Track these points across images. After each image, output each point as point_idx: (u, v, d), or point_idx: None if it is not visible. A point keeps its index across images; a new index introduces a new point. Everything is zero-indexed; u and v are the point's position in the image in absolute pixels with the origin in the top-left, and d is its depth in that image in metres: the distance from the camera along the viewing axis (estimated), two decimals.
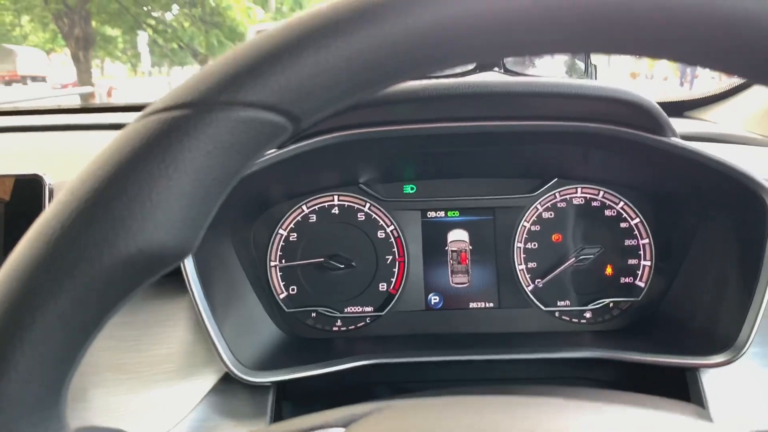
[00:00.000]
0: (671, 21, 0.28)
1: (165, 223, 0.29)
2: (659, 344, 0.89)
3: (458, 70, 0.89)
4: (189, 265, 0.80)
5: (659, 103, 1.47)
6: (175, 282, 0.86)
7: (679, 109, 1.51)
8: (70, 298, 0.29)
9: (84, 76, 12.30)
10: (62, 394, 0.31)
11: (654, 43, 0.30)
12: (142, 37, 15.61)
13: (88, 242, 0.28)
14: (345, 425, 0.38)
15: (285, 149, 0.82)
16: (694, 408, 0.78)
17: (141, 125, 0.31)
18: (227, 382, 0.83)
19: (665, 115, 0.83)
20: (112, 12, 13.34)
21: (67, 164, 1.03)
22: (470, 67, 0.90)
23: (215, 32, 13.75)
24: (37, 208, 0.77)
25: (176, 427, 0.79)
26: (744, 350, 0.80)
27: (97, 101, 8.65)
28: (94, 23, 13.22)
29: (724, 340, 0.83)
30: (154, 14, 14.50)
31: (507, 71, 0.97)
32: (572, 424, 0.37)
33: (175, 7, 14.55)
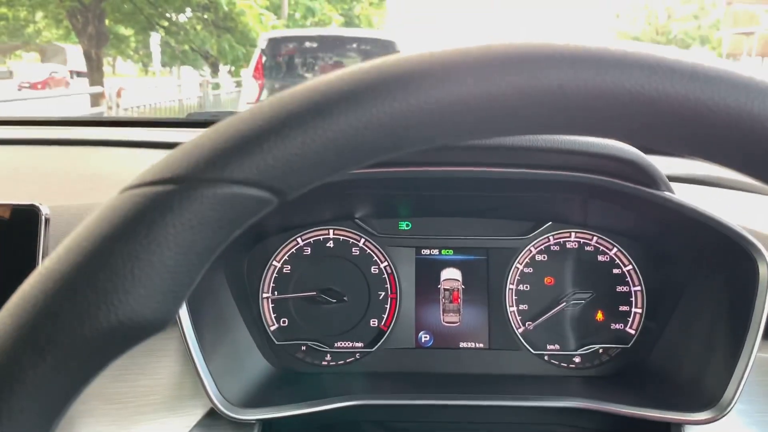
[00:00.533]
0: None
1: (146, 297, 0.30)
2: (646, 396, 0.89)
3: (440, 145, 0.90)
4: None
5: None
6: None
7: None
8: (49, 368, 0.29)
9: (95, 75, 12.37)
10: None
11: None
12: (155, 38, 15.71)
13: (71, 314, 0.29)
14: None
15: None
16: None
17: (126, 198, 0.31)
18: (213, 417, 0.83)
19: (656, 167, 0.84)
20: (126, 12, 13.42)
21: (67, 185, 1.04)
22: None
23: (227, 37, 13.83)
24: (32, 242, 0.78)
25: None
26: (729, 408, 0.80)
27: (107, 101, 8.70)
28: (107, 22, 13.31)
29: (710, 396, 0.83)
30: (168, 16, 14.58)
31: None
32: None
33: (188, 10, 14.64)
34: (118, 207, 0.31)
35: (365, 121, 0.30)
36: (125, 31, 15.55)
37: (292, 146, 0.30)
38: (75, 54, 16.30)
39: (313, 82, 0.32)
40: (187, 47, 14.90)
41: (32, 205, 0.79)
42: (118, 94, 8.54)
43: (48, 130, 1.43)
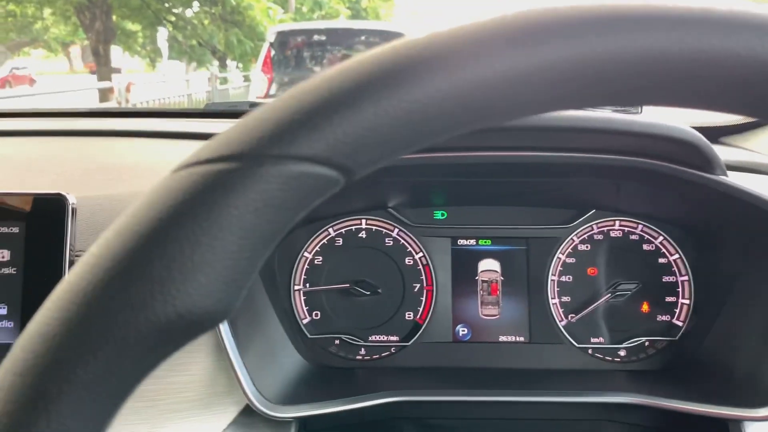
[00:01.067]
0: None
1: (206, 286, 0.27)
2: (698, 391, 0.85)
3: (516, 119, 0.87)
4: None
5: (693, 128, 1.43)
6: None
7: (714, 134, 1.46)
8: (100, 366, 0.26)
9: (103, 70, 12.40)
10: None
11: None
12: (162, 33, 15.72)
13: (123, 306, 0.26)
14: None
15: None
16: None
17: (183, 177, 0.28)
18: (248, 415, 0.80)
19: (715, 151, 0.80)
20: (133, 7, 13.45)
21: (91, 175, 1.01)
22: None
23: (235, 31, 13.83)
24: (60, 231, 0.74)
25: None
26: None
27: (116, 96, 8.70)
28: (114, 17, 13.33)
29: None
30: (175, 11, 14.59)
31: None
32: None
33: (195, 5, 14.65)
34: (174, 187, 0.28)
35: (443, 91, 0.27)
36: (132, 26, 15.56)
37: (364, 120, 0.27)
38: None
39: (381, 49, 0.29)
40: (194, 42, 14.91)
41: (59, 194, 0.75)
42: (128, 89, 8.54)
43: (65, 121, 1.40)
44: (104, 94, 9.49)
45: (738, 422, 0.80)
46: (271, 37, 7.69)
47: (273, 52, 7.47)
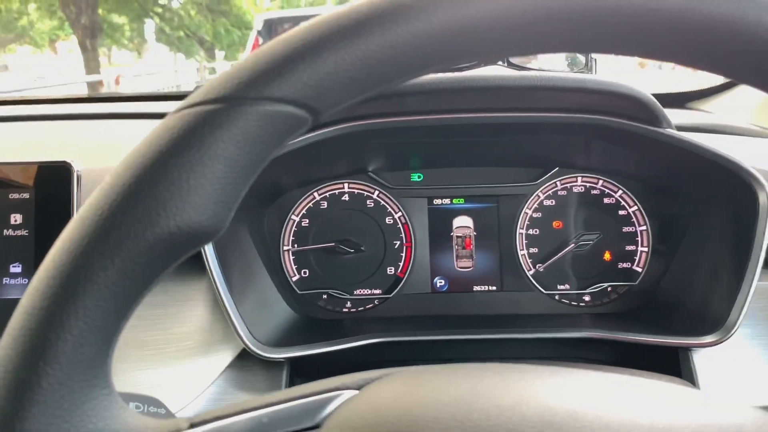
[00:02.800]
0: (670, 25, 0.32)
1: (200, 205, 0.33)
2: (654, 326, 0.93)
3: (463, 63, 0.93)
4: (208, 249, 0.84)
5: (662, 95, 1.51)
6: (194, 265, 0.91)
7: (681, 100, 1.54)
8: (117, 270, 0.32)
9: (92, 64, 12.33)
10: (109, 355, 0.35)
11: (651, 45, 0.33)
12: (149, 26, 15.63)
13: (134, 221, 0.32)
14: (358, 388, 0.42)
15: (297, 140, 0.87)
16: (682, 381, 0.82)
17: (179, 117, 0.34)
18: (243, 358, 0.88)
19: (660, 106, 0.87)
20: (118, 0, 13.35)
21: (91, 153, 1.08)
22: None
23: (222, 21, 13.75)
24: (66, 195, 0.81)
25: (196, 400, 0.84)
26: (734, 330, 0.84)
27: (105, 89, 8.69)
28: (100, 11, 13.23)
29: (715, 321, 0.87)
30: (161, 2, 14.48)
31: (510, 65, 1.01)
32: (565, 385, 0.41)
33: None
34: (172, 126, 0.34)
35: (392, 40, 0.33)
36: (119, 19, 15.44)
37: (325, 65, 0.33)
38: None
39: (345, 6, 0.35)
40: (182, 33, 14.81)
41: (64, 162, 0.82)
42: (117, 82, 8.53)
43: (65, 106, 1.46)
44: (93, 87, 9.47)
45: (686, 350, 0.89)
46: (258, 26, 7.68)
47: (261, 41, 7.47)
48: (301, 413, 0.39)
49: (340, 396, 0.41)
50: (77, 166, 0.83)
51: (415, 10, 0.33)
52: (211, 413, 0.39)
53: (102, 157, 1.04)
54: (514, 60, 1.00)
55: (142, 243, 0.32)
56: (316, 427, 0.38)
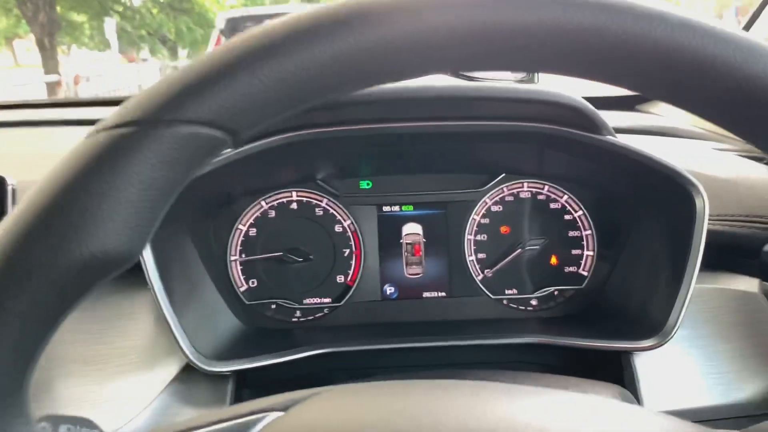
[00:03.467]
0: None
1: (114, 230, 0.32)
2: (598, 330, 0.95)
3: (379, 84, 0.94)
4: (149, 260, 0.83)
5: (613, 98, 1.53)
6: (137, 277, 0.89)
7: (631, 103, 1.58)
8: (28, 298, 0.32)
9: (50, 63, 12.05)
10: (24, 387, 0.34)
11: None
12: (110, 24, 15.33)
13: (45, 247, 0.31)
14: (284, 409, 0.42)
15: (241, 148, 0.86)
16: (618, 389, 0.84)
17: (92, 141, 0.34)
18: (188, 372, 0.87)
19: (598, 114, 0.88)
20: None
21: (32, 163, 1.06)
22: None
23: (184, 18, 13.57)
24: (0, 209, 0.80)
25: (139, 415, 0.83)
26: (671, 335, 0.86)
27: (64, 89, 8.51)
28: (59, 8, 12.94)
29: (654, 325, 0.89)
30: (122, 0, 14.24)
31: (455, 74, 1.01)
32: (487, 402, 0.41)
33: None
34: (84, 151, 0.33)
35: (307, 61, 0.33)
36: (78, 17, 15.13)
37: (240, 87, 0.33)
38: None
39: (261, 26, 0.35)
40: (144, 32, 14.57)
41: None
42: (76, 82, 8.35)
43: (10, 112, 1.43)
44: (52, 88, 9.26)
45: (627, 354, 0.90)
46: (221, 24, 7.60)
47: (223, 39, 7.38)
48: None
49: (265, 418, 0.41)
50: (11, 180, 0.82)
51: (331, 30, 0.33)
52: None
53: (43, 168, 1.02)
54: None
55: (54, 270, 0.32)
56: None
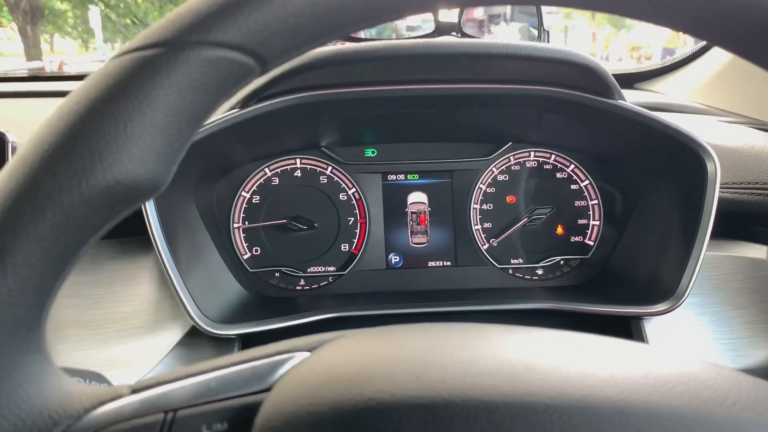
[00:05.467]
0: None
1: (139, 156, 0.31)
2: (606, 297, 0.94)
3: (419, 32, 0.92)
4: (154, 223, 0.81)
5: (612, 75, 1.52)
6: (138, 242, 0.87)
7: (629, 80, 1.57)
8: (49, 225, 0.30)
9: (32, 51, 11.86)
10: (43, 318, 0.32)
11: None
12: (94, 12, 15.12)
13: (67, 172, 0.30)
14: (311, 350, 0.41)
15: (246, 109, 0.84)
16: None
17: (115, 64, 0.32)
18: (193, 336, 0.85)
19: (612, 77, 0.87)
20: None
21: (22, 129, 1.03)
22: (429, 30, 0.93)
23: (170, 7, 13.42)
24: (1, 162, 0.77)
25: (142, 378, 0.81)
26: (683, 299, 0.86)
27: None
28: None
29: (665, 290, 0.88)
30: None
31: (464, 35, 1.00)
32: (523, 341, 0.40)
33: None
34: (109, 72, 0.32)
35: None
36: (61, 5, 14.92)
37: (273, 10, 0.31)
38: None
39: None
40: (128, 21, 14.40)
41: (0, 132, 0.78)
42: (60, 69, 8.23)
43: (7, 84, 1.40)
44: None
45: (637, 320, 0.90)
46: None
47: None
48: (251, 377, 0.37)
49: (292, 358, 0.39)
50: (11, 137, 0.79)
51: None
52: (154, 379, 0.37)
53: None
54: (468, 31, 0.99)
55: (77, 196, 0.30)
56: (267, 390, 0.36)
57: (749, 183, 0.94)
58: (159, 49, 0.31)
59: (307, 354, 0.40)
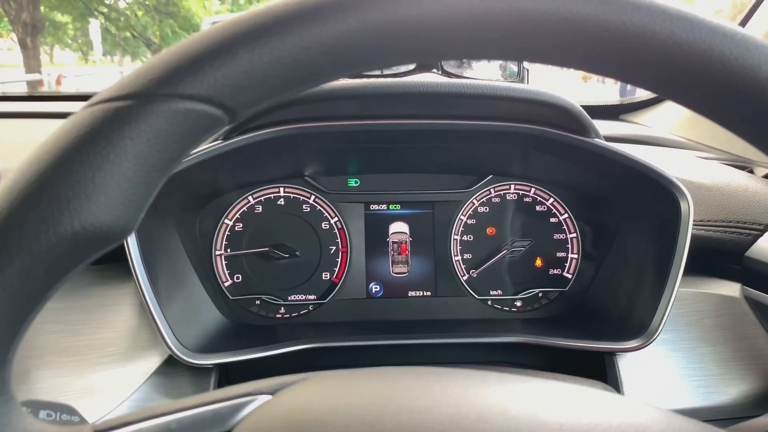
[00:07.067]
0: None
1: (107, 204, 0.32)
2: (582, 331, 0.95)
3: (401, 69, 0.94)
4: (134, 251, 0.82)
5: (597, 106, 1.55)
6: (119, 268, 0.88)
7: (614, 112, 1.60)
8: (17, 271, 0.31)
9: (32, 63, 11.91)
10: (8, 361, 0.33)
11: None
12: (94, 25, 15.20)
13: (36, 219, 0.31)
14: (272, 393, 0.42)
15: (230, 141, 0.86)
16: (603, 385, 0.84)
17: (87, 113, 0.33)
18: (170, 364, 0.86)
19: (588, 117, 0.89)
20: None
21: (14, 152, 1.04)
22: (410, 68, 0.95)
23: (169, 22, 13.49)
24: None
25: (119, 407, 0.82)
26: (655, 336, 0.87)
27: (46, 89, 8.41)
28: (42, 8, 12.81)
29: (638, 326, 0.89)
30: (107, 2, 14.13)
31: (445, 73, 1.02)
32: (478, 388, 0.41)
33: None
34: (79, 122, 0.33)
35: (309, 40, 0.33)
36: (62, 17, 15.00)
37: (240, 64, 0.33)
38: None
39: (263, 6, 0.35)
40: (128, 34, 14.47)
41: None
42: (58, 82, 8.26)
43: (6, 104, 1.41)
44: (33, 87, 9.16)
45: (611, 355, 0.91)
46: (206, 28, 7.58)
47: None
48: (212, 419, 0.38)
49: (254, 401, 0.40)
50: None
51: (333, 10, 0.33)
52: (118, 419, 0.38)
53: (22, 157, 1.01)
54: (449, 69, 1.01)
55: (44, 243, 0.31)
56: None
57: (723, 221, 0.96)
58: (129, 101, 0.32)
59: (268, 397, 0.41)
